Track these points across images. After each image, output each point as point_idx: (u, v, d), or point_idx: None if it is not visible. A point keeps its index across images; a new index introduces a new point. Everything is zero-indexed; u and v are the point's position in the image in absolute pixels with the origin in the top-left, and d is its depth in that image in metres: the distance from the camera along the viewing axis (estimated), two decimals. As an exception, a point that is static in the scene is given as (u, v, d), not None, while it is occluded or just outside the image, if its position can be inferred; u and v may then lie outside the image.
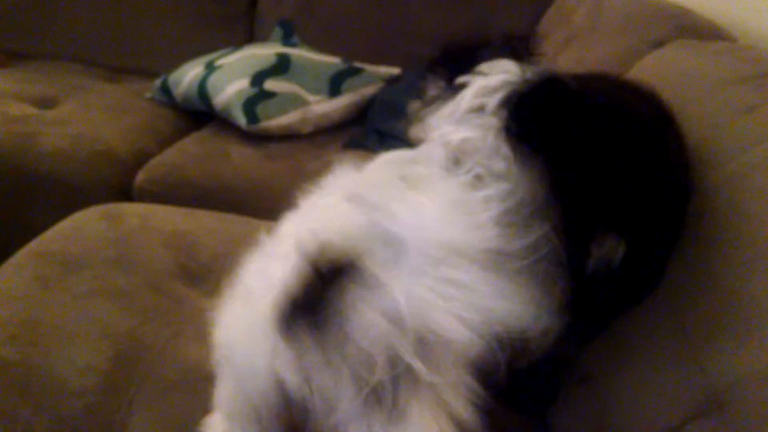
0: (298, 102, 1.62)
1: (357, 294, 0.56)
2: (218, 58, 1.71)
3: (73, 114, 1.61)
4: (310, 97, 1.64)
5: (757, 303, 0.56)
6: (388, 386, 0.55)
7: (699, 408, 0.57)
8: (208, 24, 2.09)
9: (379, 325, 0.55)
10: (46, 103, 1.69)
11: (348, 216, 0.62)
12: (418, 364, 0.54)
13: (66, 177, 1.40)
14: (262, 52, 1.71)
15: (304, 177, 1.40)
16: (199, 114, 1.71)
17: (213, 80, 1.62)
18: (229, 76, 1.61)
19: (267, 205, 1.36)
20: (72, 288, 0.95)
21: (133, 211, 1.18)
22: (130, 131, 1.58)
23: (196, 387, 0.80)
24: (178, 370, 0.85)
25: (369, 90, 1.73)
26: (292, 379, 0.57)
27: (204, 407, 0.75)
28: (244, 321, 0.64)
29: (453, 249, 0.56)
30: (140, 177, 1.42)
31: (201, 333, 0.89)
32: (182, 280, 1.02)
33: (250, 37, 2.11)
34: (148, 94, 1.81)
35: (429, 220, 0.59)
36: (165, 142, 1.60)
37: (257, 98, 1.56)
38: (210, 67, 1.66)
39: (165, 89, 1.74)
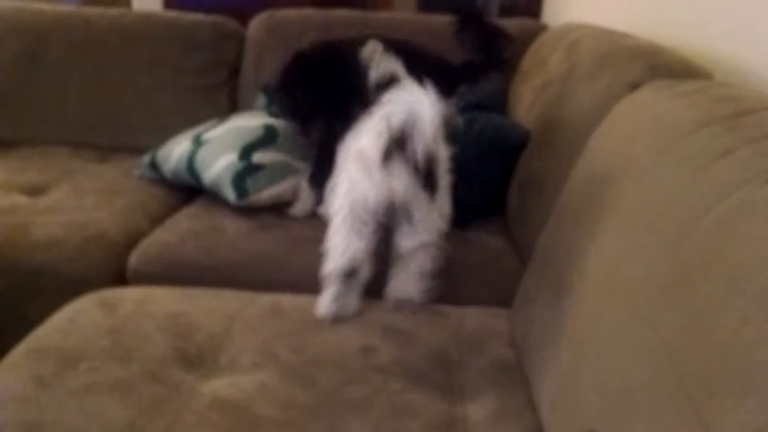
0: (287, 171, 1.63)
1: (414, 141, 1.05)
2: (205, 131, 1.73)
3: (64, 200, 1.62)
4: (300, 165, 1.65)
5: (750, 355, 0.55)
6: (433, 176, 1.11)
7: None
8: (192, 95, 2.13)
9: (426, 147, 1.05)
10: (36, 190, 1.70)
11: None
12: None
13: (60, 266, 1.39)
14: (249, 124, 1.72)
15: (299, 245, 1.42)
16: (189, 187, 1.72)
17: (202, 155, 1.63)
18: (218, 150, 1.63)
19: (263, 276, 1.37)
20: (69, 384, 0.94)
21: (127, 296, 1.18)
22: (122, 212, 1.58)
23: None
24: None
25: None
26: (397, 188, 1.09)
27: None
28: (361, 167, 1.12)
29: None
30: (134, 259, 1.41)
31: (199, 419, 0.89)
32: (179, 364, 1.01)
33: (234, 104, 2.15)
34: (137, 172, 1.82)
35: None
36: (157, 220, 1.60)
37: (246, 172, 1.57)
38: (197, 142, 1.67)
39: (154, 166, 1.76)
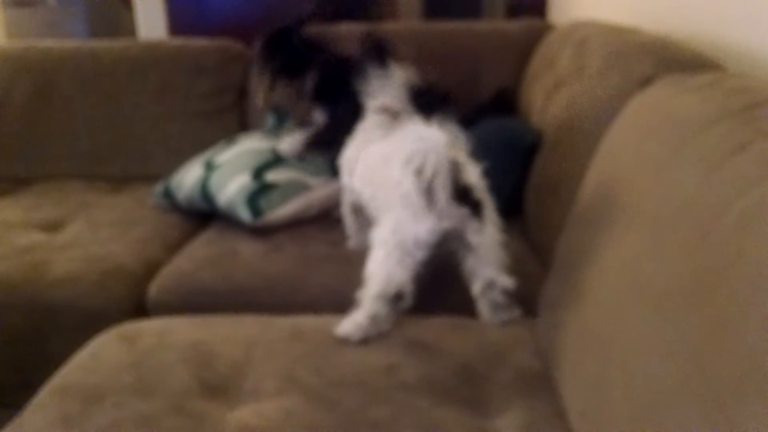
0: (300, 187, 1.63)
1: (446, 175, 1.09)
2: (216, 155, 1.73)
3: (81, 234, 1.63)
4: (312, 181, 1.65)
5: (756, 331, 0.54)
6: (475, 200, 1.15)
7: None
8: (202, 120, 2.14)
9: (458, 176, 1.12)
10: (53, 226, 1.71)
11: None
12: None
13: (79, 302, 1.40)
14: (259, 147, 1.73)
15: (315, 264, 1.41)
16: (203, 212, 1.72)
17: (215, 180, 1.64)
18: (230, 173, 1.63)
19: (281, 298, 1.37)
20: (95, 422, 0.94)
21: (147, 329, 1.18)
22: (138, 243, 1.59)
23: None
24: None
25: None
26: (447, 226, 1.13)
27: None
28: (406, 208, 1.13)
29: None
30: (153, 290, 1.42)
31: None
32: (203, 395, 1.00)
33: (244, 125, 2.15)
34: (151, 201, 1.83)
35: None
36: (174, 248, 1.60)
37: (260, 191, 1.57)
38: (209, 167, 1.68)
39: (167, 194, 1.76)
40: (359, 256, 1.44)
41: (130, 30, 3.48)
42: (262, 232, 1.56)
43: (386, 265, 1.15)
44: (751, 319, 0.57)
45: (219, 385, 1.03)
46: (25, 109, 2.15)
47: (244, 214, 1.55)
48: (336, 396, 0.99)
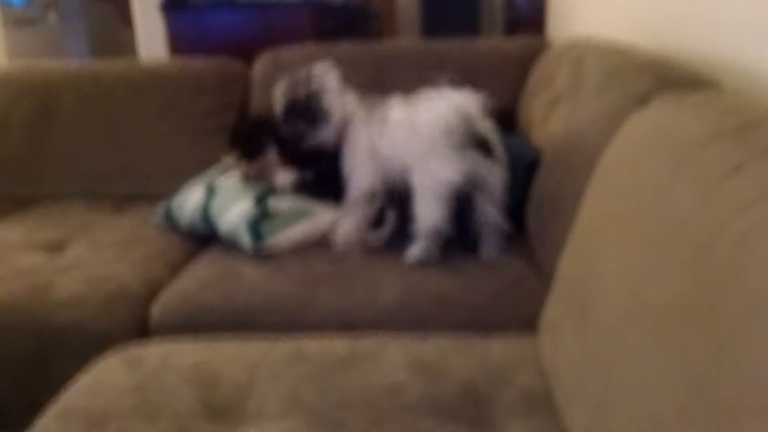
0: (303, 215, 1.64)
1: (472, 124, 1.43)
2: (217, 179, 1.74)
3: (83, 255, 1.63)
4: (316, 208, 1.66)
5: (756, 354, 0.54)
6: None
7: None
8: (204, 138, 2.16)
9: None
10: (55, 247, 1.72)
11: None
12: None
13: (83, 323, 1.40)
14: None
15: (318, 283, 1.42)
16: (205, 235, 1.72)
17: (217, 204, 1.65)
18: (232, 198, 1.65)
19: (285, 318, 1.37)
20: (99, 446, 0.94)
21: (150, 351, 1.18)
22: (141, 263, 1.59)
23: None
24: None
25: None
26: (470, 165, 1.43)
27: None
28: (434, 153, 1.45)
29: None
30: (155, 310, 1.42)
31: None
32: (207, 417, 1.00)
33: (245, 143, 2.16)
34: (153, 221, 1.83)
35: None
36: (176, 267, 1.61)
37: (262, 218, 1.58)
38: (211, 191, 1.68)
39: (169, 216, 1.77)
40: (362, 274, 1.46)
41: (130, 49, 3.51)
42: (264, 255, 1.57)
43: (427, 207, 1.47)
44: (750, 342, 0.57)
45: (223, 408, 1.03)
46: (27, 129, 2.17)
47: (246, 240, 1.55)
48: (340, 417, 0.99)
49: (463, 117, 1.40)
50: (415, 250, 1.50)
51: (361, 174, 1.61)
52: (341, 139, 1.63)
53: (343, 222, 1.63)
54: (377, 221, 1.65)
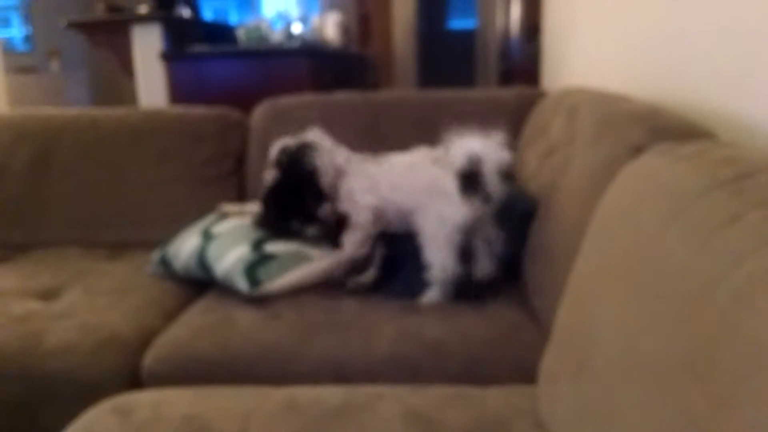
0: (300, 258, 1.63)
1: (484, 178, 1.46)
2: (212, 225, 1.74)
3: (77, 303, 1.62)
4: (313, 252, 1.65)
5: (756, 409, 0.53)
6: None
7: None
8: (202, 186, 2.16)
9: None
10: (49, 295, 1.70)
11: None
12: None
13: (74, 372, 1.38)
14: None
15: (312, 332, 1.41)
16: (201, 281, 1.71)
17: (213, 250, 1.64)
18: (229, 243, 1.64)
19: (278, 368, 1.36)
20: (86, 500, 0.92)
21: (142, 401, 1.16)
22: (135, 311, 1.58)
23: None
24: None
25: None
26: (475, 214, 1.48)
27: None
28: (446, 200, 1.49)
29: None
30: (148, 359, 1.40)
31: None
32: (198, 470, 0.98)
33: (242, 191, 2.17)
34: (148, 269, 1.82)
35: None
36: (170, 315, 1.59)
37: (259, 262, 1.57)
38: (207, 237, 1.68)
39: (164, 263, 1.76)
40: (357, 323, 1.44)
41: (131, 98, 3.55)
42: (259, 299, 1.56)
43: (439, 251, 1.51)
44: (750, 396, 0.57)
45: (214, 460, 1.01)
46: (25, 175, 2.18)
47: (242, 284, 1.54)
48: (333, 471, 0.97)
49: (474, 162, 1.43)
50: (432, 296, 1.53)
51: (362, 200, 1.64)
52: (334, 189, 1.65)
53: (350, 235, 1.65)
54: (363, 264, 1.66)
